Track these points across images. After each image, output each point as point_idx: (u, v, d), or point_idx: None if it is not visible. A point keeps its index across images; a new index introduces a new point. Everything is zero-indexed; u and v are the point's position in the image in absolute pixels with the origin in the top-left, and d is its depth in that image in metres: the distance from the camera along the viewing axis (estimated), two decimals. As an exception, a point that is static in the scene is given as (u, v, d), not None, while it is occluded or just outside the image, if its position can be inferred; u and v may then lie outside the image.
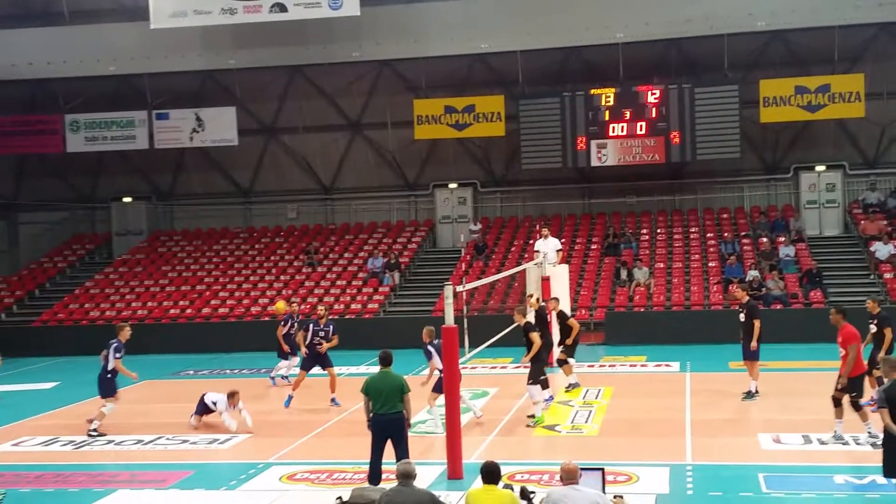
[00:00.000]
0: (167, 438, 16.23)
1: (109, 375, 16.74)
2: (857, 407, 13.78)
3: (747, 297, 17.90)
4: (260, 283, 31.98)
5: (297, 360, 20.83)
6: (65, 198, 37.50)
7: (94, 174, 37.23)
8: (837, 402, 13.86)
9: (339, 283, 31.52)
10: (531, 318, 17.65)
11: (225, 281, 32.37)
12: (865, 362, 14.82)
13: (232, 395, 16.73)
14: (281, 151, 35.93)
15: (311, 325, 18.99)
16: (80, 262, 36.06)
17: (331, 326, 18.99)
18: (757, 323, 17.27)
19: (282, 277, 32.24)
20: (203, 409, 17.06)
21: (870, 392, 16.05)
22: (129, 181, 36.91)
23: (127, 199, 36.91)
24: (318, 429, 16.55)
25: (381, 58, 32.37)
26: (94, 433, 16.48)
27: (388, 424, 11.93)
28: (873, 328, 16.02)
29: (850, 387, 13.75)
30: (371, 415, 12.04)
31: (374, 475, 12.00)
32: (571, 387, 19.12)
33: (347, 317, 29.25)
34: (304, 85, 34.42)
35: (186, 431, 16.59)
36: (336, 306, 29.88)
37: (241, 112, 34.03)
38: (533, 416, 16.17)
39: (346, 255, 33.40)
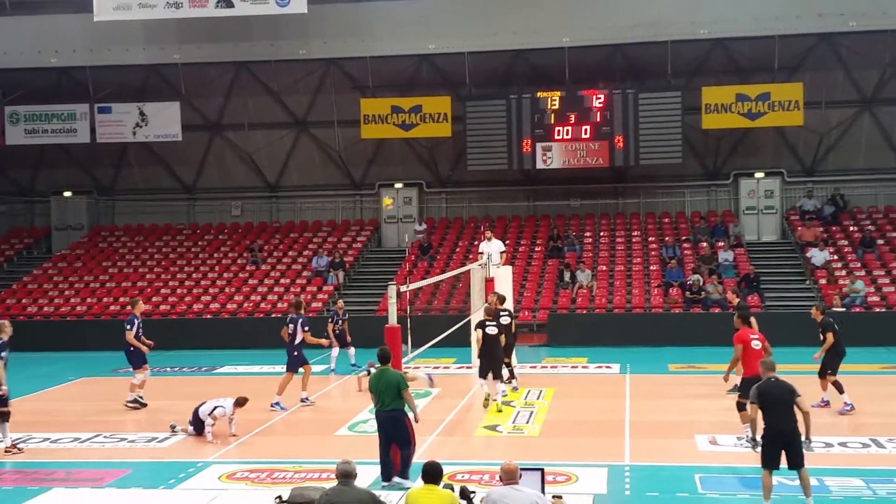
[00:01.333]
0: (105, 436, 16.02)
1: (132, 349, 18.06)
2: (740, 407, 14.14)
3: (821, 317, 17.03)
4: (202, 281, 31.70)
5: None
6: (3, 191, 36.82)
7: (34, 167, 36.57)
8: (741, 407, 14.12)
9: (282, 281, 31.37)
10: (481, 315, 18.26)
11: (167, 278, 32.03)
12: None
13: (241, 402, 15.52)
14: (226, 148, 35.63)
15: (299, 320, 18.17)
16: (18, 256, 35.46)
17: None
18: (829, 336, 16.68)
19: (225, 275, 31.99)
20: (199, 425, 15.55)
21: (822, 394, 16.62)
22: (70, 175, 36.32)
23: (67, 194, 36.31)
24: (259, 428, 16.45)
25: (328, 56, 32.26)
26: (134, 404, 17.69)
27: (387, 421, 12.29)
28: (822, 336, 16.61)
29: (741, 387, 14.16)
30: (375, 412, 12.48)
31: (386, 473, 12.33)
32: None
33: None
34: (251, 81, 34.16)
35: (125, 429, 16.37)
36: (279, 305, 29.76)
37: (186, 107, 33.67)
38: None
39: (290, 253, 33.25)
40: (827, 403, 16.75)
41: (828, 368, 16.68)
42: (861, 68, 31.28)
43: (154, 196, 36.37)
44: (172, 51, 31.70)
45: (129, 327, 17.96)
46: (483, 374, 17.63)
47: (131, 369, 18.52)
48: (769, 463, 10.95)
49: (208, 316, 29.41)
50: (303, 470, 13.32)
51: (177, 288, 31.32)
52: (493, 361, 17.53)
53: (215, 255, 33.50)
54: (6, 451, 14.86)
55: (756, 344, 14.34)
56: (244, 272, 32.12)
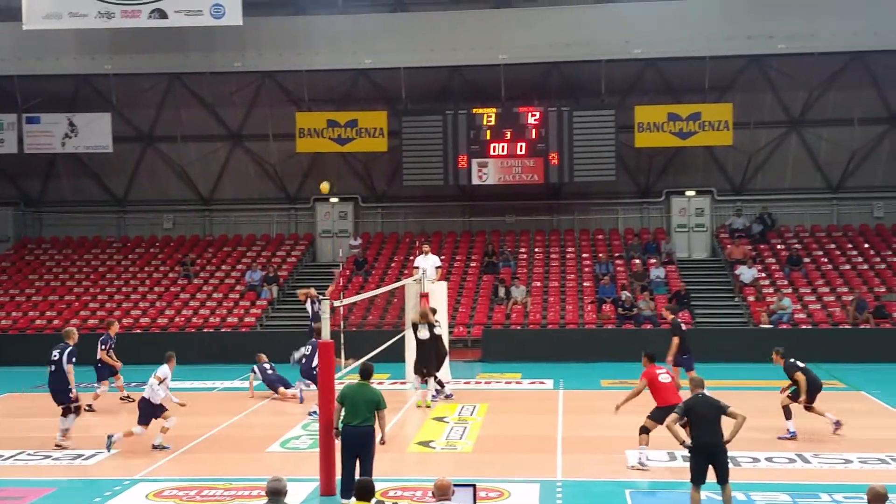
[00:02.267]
0: (28, 454, 15.61)
1: (101, 364, 20.31)
2: (642, 430, 14.14)
3: (782, 361, 16.81)
4: (133, 295, 31.16)
5: None
6: (-75, 201, 35.84)
7: (-42, 177, 35.69)
8: (643, 430, 14.17)
9: (215, 295, 30.98)
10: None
11: (95, 291, 31.43)
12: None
13: (170, 359, 16.42)
14: (158, 160, 35.12)
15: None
16: (-60, 268, 34.50)
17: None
18: (799, 376, 16.54)
19: (156, 289, 31.49)
20: (149, 412, 15.75)
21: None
22: (-4, 186, 35.51)
23: (-8, 205, 35.49)
24: (188, 445, 16.18)
25: (263, 69, 32.05)
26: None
27: (359, 437, 11.95)
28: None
29: (652, 414, 14.13)
30: (342, 425, 12.03)
31: (347, 489, 11.90)
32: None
33: (223, 330, 28.79)
34: (184, 93, 33.77)
35: (48, 447, 15.96)
36: (212, 319, 29.39)
37: (117, 118, 33.14)
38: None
39: (223, 267, 32.87)
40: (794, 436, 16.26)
41: (809, 401, 16.46)
42: (789, 90, 32.03)
43: (83, 208, 35.66)
44: (104, 61, 31.22)
45: (103, 347, 19.99)
46: (417, 371, 19.20)
47: (95, 382, 20.47)
48: (697, 478, 11.16)
49: (138, 331, 28.89)
50: (233, 487, 13.14)
51: (106, 302, 30.74)
52: (424, 360, 19.38)
53: (146, 268, 32.97)
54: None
55: (664, 378, 14.51)
56: (176, 286, 31.66)
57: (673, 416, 11.41)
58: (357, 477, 11.58)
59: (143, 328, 29.13)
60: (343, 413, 12.09)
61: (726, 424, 11.21)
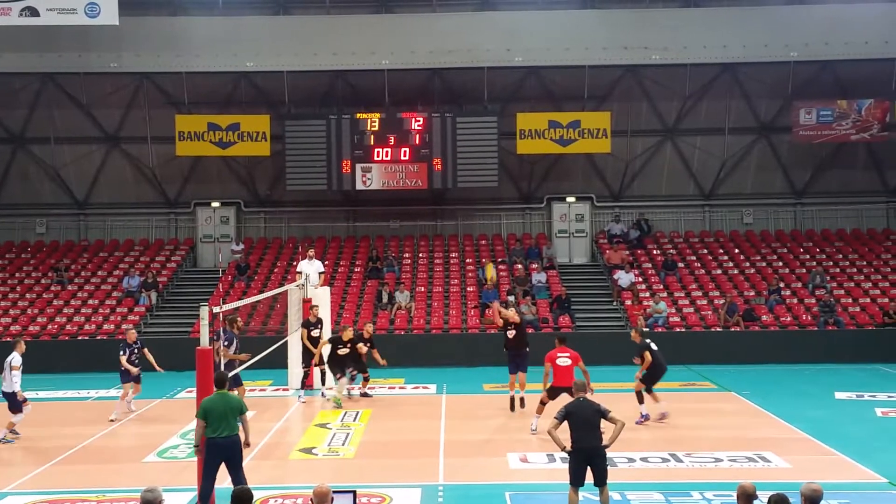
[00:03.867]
0: None
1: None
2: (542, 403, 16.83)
3: (640, 339, 18.22)
4: (2, 301, 29.99)
5: None
6: None
7: None
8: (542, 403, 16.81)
9: (90, 302, 30.08)
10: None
11: (-38, 298, 30.15)
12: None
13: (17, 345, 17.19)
14: (30, 162, 33.90)
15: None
16: None
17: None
18: (647, 356, 17.91)
19: (27, 295, 30.39)
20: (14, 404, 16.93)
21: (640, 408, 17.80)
22: None
23: None
24: (60, 456, 15.68)
25: (140, 70, 31.29)
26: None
27: (230, 448, 11.64)
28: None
29: (549, 391, 16.89)
30: (206, 439, 11.60)
31: (206, 498, 11.66)
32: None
33: (99, 338, 27.97)
34: (58, 94, 32.69)
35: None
36: (87, 327, 28.54)
37: (-14, 119, 31.93)
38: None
39: (99, 272, 31.94)
40: (646, 418, 17.82)
41: (647, 385, 17.92)
42: (664, 99, 33.02)
43: (-51, 212, 34.19)
44: (-29, 59, 29.99)
45: (123, 353, 19.81)
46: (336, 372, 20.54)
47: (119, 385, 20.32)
48: (575, 480, 11.36)
49: (8, 339, 27.73)
50: (107, 499, 12.80)
51: (-27, 309, 29.54)
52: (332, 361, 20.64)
53: (17, 274, 31.78)
54: None
55: (563, 361, 16.88)
56: (49, 293, 30.61)
57: (553, 421, 11.51)
58: (225, 487, 11.48)
59: (14, 336, 27.97)
60: (207, 427, 11.64)
61: (605, 427, 11.44)
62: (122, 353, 19.94)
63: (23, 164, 33.92)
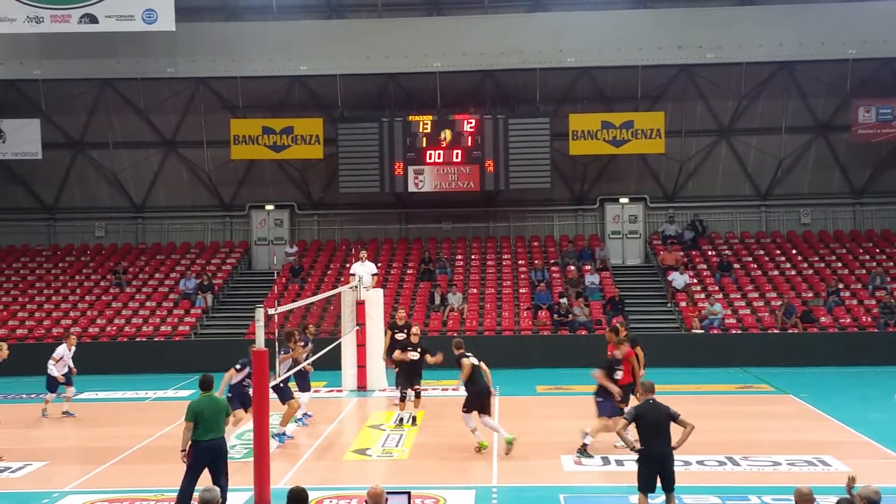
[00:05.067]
0: (-47, 468, 15.26)
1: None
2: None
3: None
4: (63, 304, 30.58)
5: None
6: None
7: None
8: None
9: (148, 304, 30.55)
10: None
11: (24, 301, 30.78)
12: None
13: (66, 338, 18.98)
14: (89, 167, 34.54)
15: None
16: None
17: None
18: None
19: (87, 298, 30.96)
20: (53, 383, 19.76)
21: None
22: (-80, 193, 34.62)
23: (-84, 213, 34.57)
24: (120, 456, 15.95)
25: (196, 75, 31.70)
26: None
27: (217, 450, 11.70)
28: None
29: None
30: (192, 442, 11.65)
31: (185, 501, 11.65)
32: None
33: (156, 339, 28.41)
34: (116, 99, 33.26)
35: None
36: (144, 328, 28.99)
37: (47, 124, 32.56)
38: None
39: (156, 275, 32.43)
40: None
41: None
42: (718, 99, 32.65)
43: (11, 216, 34.90)
44: (33, 66, 30.60)
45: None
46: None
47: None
48: (644, 486, 11.07)
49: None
50: (165, 499, 12.96)
51: (35, 311, 30.13)
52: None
53: (77, 277, 32.40)
54: None
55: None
56: (108, 295, 31.14)
57: (622, 421, 11.26)
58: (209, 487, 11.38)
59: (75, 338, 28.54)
60: (196, 429, 11.64)
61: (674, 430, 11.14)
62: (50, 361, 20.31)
63: (82, 168, 34.57)
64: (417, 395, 19.65)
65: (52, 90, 32.24)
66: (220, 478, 11.64)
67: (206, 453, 11.63)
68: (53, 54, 30.29)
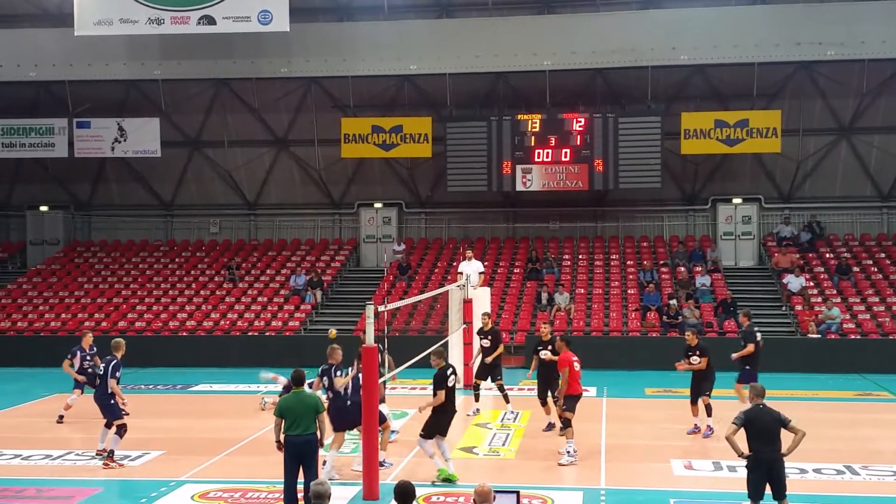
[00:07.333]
0: (76, 454, 15.85)
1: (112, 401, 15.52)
2: (566, 423, 14.97)
3: (696, 340, 17.27)
4: (179, 298, 31.50)
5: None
6: (-23, 205, 36.55)
7: (10, 181, 36.34)
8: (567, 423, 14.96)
9: (260, 299, 31.22)
10: None
11: (143, 294, 31.81)
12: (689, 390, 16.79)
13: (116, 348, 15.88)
14: (205, 165, 35.52)
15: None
16: (-8, 270, 35.15)
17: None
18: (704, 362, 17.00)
19: (202, 292, 31.81)
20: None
21: (694, 420, 17.00)
22: (47, 190, 36.09)
23: (44, 208, 36.06)
24: (233, 447, 16.32)
25: (309, 75, 32.24)
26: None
27: (303, 446, 11.78)
28: (695, 360, 16.93)
29: (565, 403, 15.11)
30: (283, 436, 11.82)
31: (291, 499, 11.81)
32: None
33: (267, 334, 29.01)
34: (231, 99, 34.10)
35: (97, 447, 16.16)
36: (256, 323, 29.63)
37: (166, 123, 33.58)
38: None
39: (268, 271, 33.12)
40: (698, 430, 17.00)
41: (702, 392, 16.88)
42: (838, 97, 31.60)
43: (131, 212, 36.18)
44: (153, 66, 31.62)
45: (71, 356, 18.82)
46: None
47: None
48: (754, 494, 10.80)
49: (184, 333, 29.21)
50: (277, 490, 13.17)
51: (153, 305, 31.12)
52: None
53: (192, 272, 33.33)
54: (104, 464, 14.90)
55: (577, 365, 15.36)
56: (221, 290, 31.94)
57: (731, 426, 10.90)
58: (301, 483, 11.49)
59: (189, 331, 29.43)
60: (284, 425, 11.77)
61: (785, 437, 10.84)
62: (69, 356, 18.84)
63: (198, 166, 35.56)
64: (501, 390, 19.36)
65: (171, 90, 33.23)
66: (310, 473, 11.69)
67: (294, 448, 11.76)
68: (172, 55, 31.25)
